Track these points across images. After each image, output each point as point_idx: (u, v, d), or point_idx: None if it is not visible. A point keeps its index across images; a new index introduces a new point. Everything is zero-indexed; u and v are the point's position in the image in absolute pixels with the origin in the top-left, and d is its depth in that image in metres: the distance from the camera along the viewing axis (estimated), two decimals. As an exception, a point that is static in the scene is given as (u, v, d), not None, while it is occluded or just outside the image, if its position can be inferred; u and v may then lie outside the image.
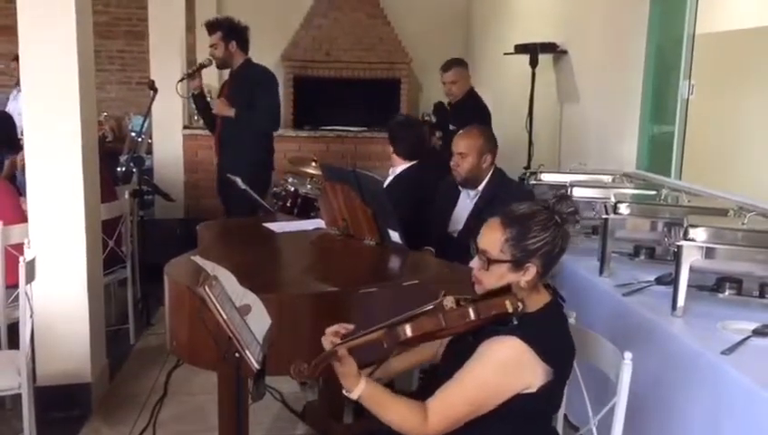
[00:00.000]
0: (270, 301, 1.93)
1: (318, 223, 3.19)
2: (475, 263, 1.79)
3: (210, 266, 1.81)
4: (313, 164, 5.20)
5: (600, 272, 2.99)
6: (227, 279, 1.84)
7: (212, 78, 5.81)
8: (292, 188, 5.21)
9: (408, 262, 2.69)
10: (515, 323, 1.68)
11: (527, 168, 5.14)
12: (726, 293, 2.59)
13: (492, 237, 1.75)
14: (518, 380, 1.69)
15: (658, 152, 4.18)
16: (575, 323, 2.06)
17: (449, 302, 1.69)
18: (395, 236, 2.78)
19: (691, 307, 2.50)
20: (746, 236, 2.44)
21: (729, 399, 2.06)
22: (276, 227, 3.10)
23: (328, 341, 1.71)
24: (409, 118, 3.77)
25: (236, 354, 1.68)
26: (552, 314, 1.79)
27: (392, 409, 1.71)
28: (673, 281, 2.52)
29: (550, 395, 1.74)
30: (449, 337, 1.84)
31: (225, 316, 1.62)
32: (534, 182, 4.01)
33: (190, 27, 6.60)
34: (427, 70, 8.00)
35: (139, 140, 5.33)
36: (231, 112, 4.46)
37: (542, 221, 1.73)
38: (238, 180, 3.86)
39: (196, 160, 6.18)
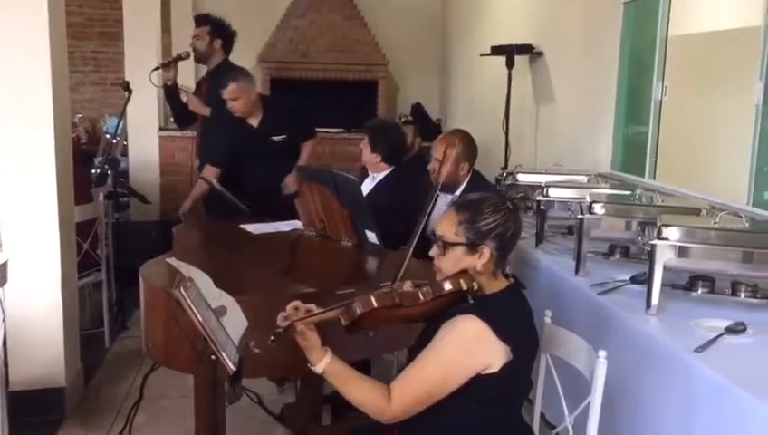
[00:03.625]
0: (247, 302, 1.92)
1: (295, 224, 3.18)
2: (433, 251, 1.84)
3: (185, 268, 1.80)
4: (301, 165, 5.19)
5: (576, 271, 3.01)
6: (203, 281, 1.84)
7: (187, 77, 5.76)
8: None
9: (385, 262, 2.69)
10: (471, 302, 1.74)
11: (504, 168, 5.17)
12: (699, 291, 2.62)
13: (446, 223, 1.82)
14: (477, 358, 1.72)
15: (633, 153, 4.23)
16: (550, 322, 2.08)
17: (408, 285, 1.78)
18: (372, 236, 2.78)
19: (665, 306, 2.53)
20: (718, 235, 2.47)
21: (702, 396, 2.08)
22: (253, 228, 3.09)
23: (287, 316, 1.73)
24: (386, 120, 3.77)
25: (212, 356, 1.67)
26: (510, 297, 1.84)
27: (356, 387, 1.74)
28: (647, 280, 2.55)
29: (511, 376, 1.76)
30: (410, 317, 1.87)
31: (200, 318, 1.61)
32: (511, 182, 4.04)
33: (166, 29, 6.56)
34: (403, 71, 8.04)
35: (114, 141, 5.27)
36: (206, 111, 4.44)
37: (493, 204, 1.81)
38: (214, 181, 3.83)
39: (172, 162, 6.14)
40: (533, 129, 5.47)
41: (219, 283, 1.96)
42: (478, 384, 1.73)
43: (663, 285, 2.53)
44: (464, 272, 1.78)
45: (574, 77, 4.83)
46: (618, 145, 4.37)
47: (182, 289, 1.60)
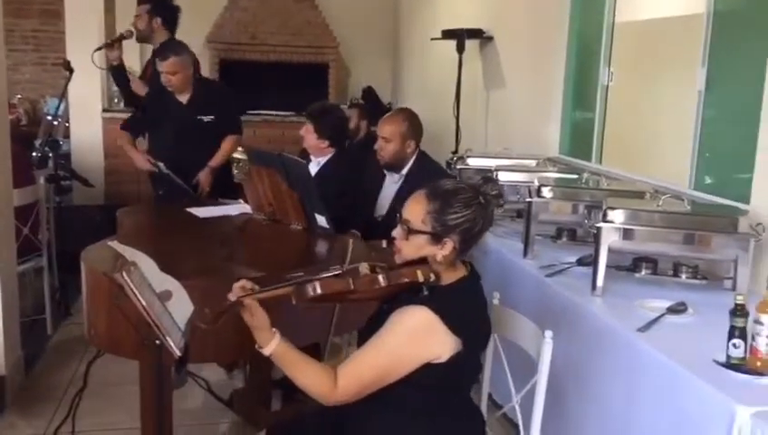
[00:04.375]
0: (193, 287, 1.88)
1: (243, 208, 3.14)
2: (396, 232, 1.81)
3: (129, 252, 1.76)
4: (239, 148, 5.12)
5: (525, 254, 3.05)
6: (147, 265, 1.79)
7: (133, 58, 5.60)
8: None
9: (335, 246, 2.67)
10: (426, 293, 1.72)
11: (455, 152, 5.20)
12: (643, 272, 2.69)
13: (415, 208, 1.78)
14: (426, 349, 1.71)
15: (580, 138, 4.29)
16: (498, 304, 2.10)
17: (364, 268, 1.74)
18: (322, 220, 2.76)
19: (610, 287, 2.58)
20: (661, 218, 2.53)
21: (645, 374, 2.14)
22: (200, 212, 3.03)
23: (234, 293, 1.69)
24: (327, 104, 3.72)
25: (157, 342, 1.64)
26: (465, 288, 1.82)
27: (303, 370, 1.72)
28: (593, 262, 2.59)
29: (460, 366, 1.76)
30: (363, 301, 1.86)
31: (144, 303, 1.57)
32: (461, 167, 4.06)
33: (109, 8, 6.36)
34: (355, 54, 7.98)
35: (56, 123, 5.10)
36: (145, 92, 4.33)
37: (466, 199, 1.76)
38: (161, 165, 3.75)
39: (116, 145, 5.94)
40: (484, 113, 5.50)
41: (165, 267, 1.92)
42: (425, 372, 1.73)
43: (608, 266, 2.58)
44: (422, 260, 1.76)
45: (524, 62, 4.87)
46: (565, 130, 4.43)
47: (125, 273, 1.55)
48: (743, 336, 1.95)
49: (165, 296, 1.72)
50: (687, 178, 3.23)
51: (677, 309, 2.38)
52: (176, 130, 3.93)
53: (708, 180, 3.17)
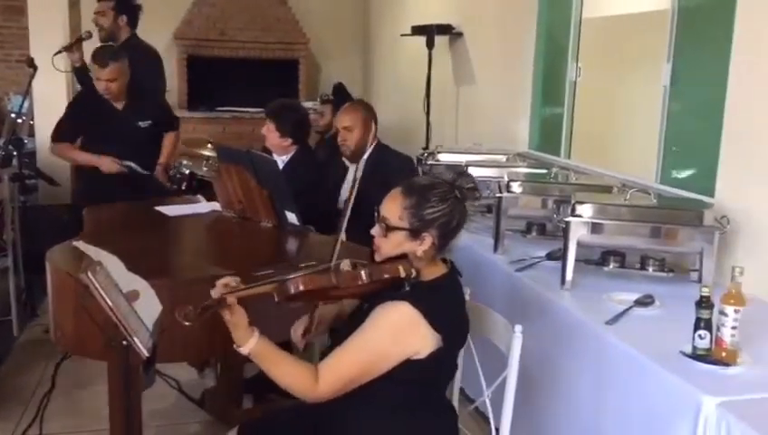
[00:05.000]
0: (162, 286, 1.86)
1: (212, 206, 3.11)
2: (375, 230, 1.82)
3: (94, 251, 1.73)
4: (209, 146, 5.06)
5: (495, 249, 3.07)
6: (113, 264, 1.77)
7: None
8: (187, 171, 5.06)
9: (305, 242, 2.66)
10: (407, 289, 1.72)
11: (425, 148, 5.20)
12: (611, 266, 2.72)
13: (392, 205, 1.79)
14: (407, 345, 1.72)
15: (549, 133, 4.33)
16: (469, 299, 2.11)
17: (346, 265, 1.74)
18: (292, 217, 2.75)
19: (579, 281, 2.61)
20: (628, 212, 2.56)
21: (612, 366, 2.17)
22: (169, 210, 3.00)
23: (217, 291, 1.67)
24: (286, 101, 3.68)
25: (124, 342, 1.61)
26: (445, 285, 1.83)
27: (283, 368, 1.71)
28: (561, 256, 2.62)
29: (439, 363, 1.76)
30: (344, 298, 1.86)
31: (110, 303, 1.55)
32: (432, 162, 4.06)
33: (74, 4, 6.24)
34: (325, 51, 7.95)
35: (20, 121, 4.99)
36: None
37: (442, 193, 1.78)
38: (132, 164, 3.71)
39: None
40: (454, 109, 5.51)
41: (133, 266, 1.90)
42: (405, 368, 1.73)
43: (577, 260, 2.61)
44: (403, 257, 1.76)
45: (493, 58, 4.89)
46: (535, 125, 4.46)
47: (90, 273, 1.53)
48: (708, 327, 1.98)
49: (132, 296, 1.70)
50: (654, 172, 3.27)
51: (645, 302, 2.42)
52: (115, 139, 3.76)
53: (674, 174, 3.22)
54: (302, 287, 1.64)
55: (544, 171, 3.48)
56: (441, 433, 1.86)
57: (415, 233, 1.76)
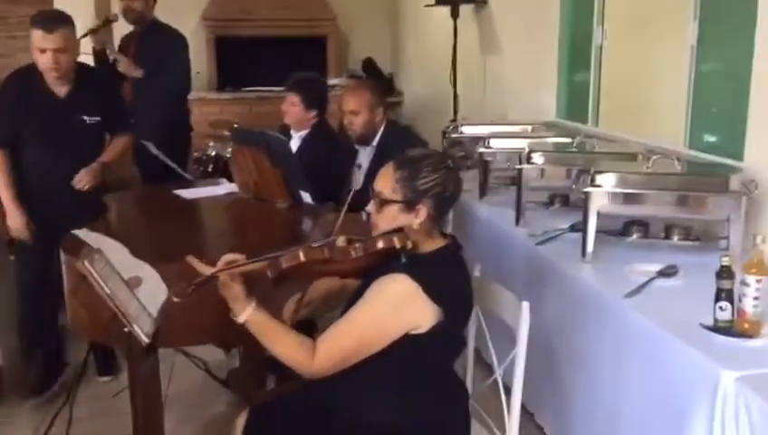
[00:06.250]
0: (170, 271, 1.86)
1: (230, 188, 3.11)
2: (370, 206, 1.82)
3: (95, 239, 1.74)
4: (235, 127, 5.08)
5: (517, 222, 3.01)
6: (116, 251, 1.78)
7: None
8: (213, 153, 5.10)
9: (319, 222, 2.64)
10: (404, 261, 1.71)
11: (453, 121, 5.13)
12: (634, 236, 2.64)
13: (385, 179, 1.78)
14: (406, 317, 1.69)
15: (577, 100, 4.20)
16: (479, 276, 2.06)
17: (341, 241, 1.74)
18: (306, 196, 2.73)
19: (601, 252, 2.53)
20: (650, 180, 2.47)
21: (632, 340, 2.11)
22: (187, 193, 3.01)
23: (218, 266, 1.69)
24: (309, 74, 3.60)
25: (125, 329, 1.62)
26: (444, 257, 1.80)
27: (279, 339, 1.71)
28: (582, 228, 2.55)
29: (441, 338, 1.73)
30: (340, 274, 1.85)
31: (107, 291, 1.55)
32: (456, 135, 4.00)
33: (101, -12, 6.28)
34: (353, 26, 7.85)
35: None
36: (138, 73, 4.26)
37: (433, 163, 1.77)
38: (150, 145, 3.72)
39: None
40: (481, 80, 5.40)
41: (143, 251, 1.90)
42: (405, 344, 1.70)
43: (599, 231, 2.54)
44: (399, 230, 1.74)
45: (518, 25, 4.77)
46: (562, 93, 4.34)
47: (86, 262, 1.53)
48: (729, 298, 1.91)
49: (134, 283, 1.71)
50: (683, 136, 3.15)
51: (668, 272, 2.34)
52: (51, 135, 2.91)
53: (704, 138, 3.09)
54: (292, 263, 1.63)
55: (568, 140, 3.39)
56: (449, 411, 1.83)
57: (409, 205, 1.74)
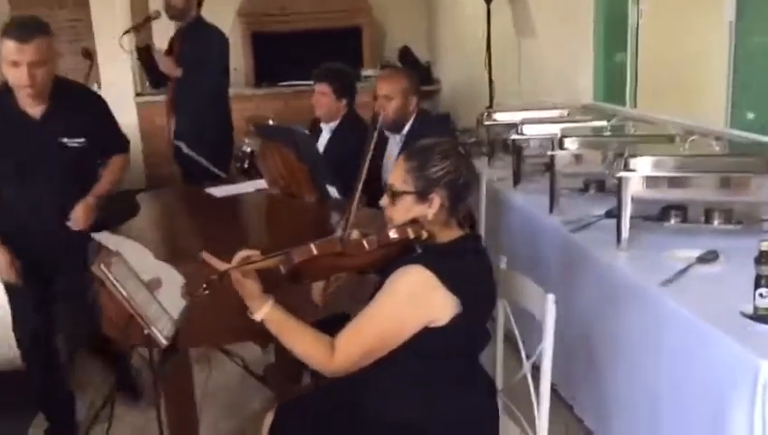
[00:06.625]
0: (193, 272, 1.85)
1: (260, 184, 3.11)
2: (383, 200, 1.78)
3: (115, 242, 1.75)
4: (270, 122, 5.08)
5: (551, 209, 2.93)
6: (137, 253, 1.78)
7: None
8: (249, 149, 5.11)
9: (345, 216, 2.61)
10: (419, 251, 1.67)
11: (489, 107, 5.04)
12: (672, 221, 2.54)
13: (396, 171, 1.75)
14: (424, 310, 1.65)
15: (614, 82, 4.09)
16: (505, 268, 2.01)
17: (355, 234, 1.72)
18: (333, 190, 2.71)
19: (637, 238, 2.45)
20: (686, 163, 2.38)
21: (670, 330, 2.03)
22: (218, 191, 3.02)
23: (234, 262, 1.68)
24: (336, 64, 3.55)
25: (145, 331, 1.62)
26: (462, 247, 1.75)
27: (297, 337, 1.69)
28: (616, 214, 2.46)
29: (461, 330, 1.68)
30: (355, 268, 1.82)
31: (125, 294, 1.55)
32: (489, 122, 3.93)
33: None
34: (388, 15, 7.79)
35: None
36: (177, 72, 4.29)
37: (444, 151, 1.73)
38: (183, 145, 3.75)
39: (154, 127, 6.00)
40: (517, 64, 5.30)
41: (169, 252, 1.90)
42: (426, 338, 1.66)
43: (634, 217, 2.45)
44: (414, 221, 1.71)
45: (552, 5, 4.65)
46: (599, 74, 4.23)
47: (102, 266, 1.54)
48: (770, 285, 1.81)
49: (154, 285, 1.71)
50: (723, 116, 3.03)
51: (707, 258, 2.25)
52: (28, 164, 2.51)
53: (746, 116, 2.97)
54: (304, 257, 1.61)
55: (603, 123, 3.29)
56: (475, 405, 1.79)
57: (422, 195, 1.70)
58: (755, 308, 1.83)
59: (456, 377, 1.76)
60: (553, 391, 2.71)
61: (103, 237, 1.74)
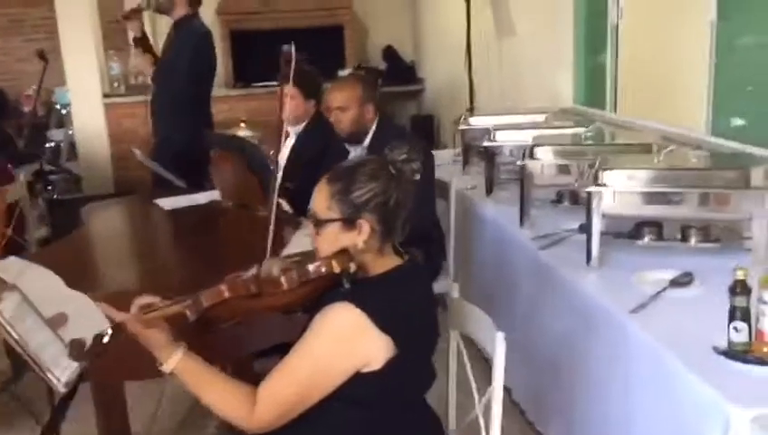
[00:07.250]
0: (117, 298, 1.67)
1: (213, 195, 2.92)
2: (309, 230, 1.59)
3: (17, 269, 1.56)
4: (242, 125, 4.88)
5: (521, 223, 2.75)
6: (44, 282, 1.60)
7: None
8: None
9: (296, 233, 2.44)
10: (347, 287, 1.48)
11: (470, 110, 4.87)
12: (646, 239, 2.36)
13: (319, 197, 1.56)
14: (354, 353, 1.47)
15: (594, 84, 3.92)
16: (458, 297, 1.84)
17: (276, 267, 1.53)
18: (284, 205, 2.53)
19: (609, 257, 2.28)
20: (661, 177, 2.20)
21: (639, 361, 1.87)
22: (167, 203, 2.83)
23: (131, 311, 1.48)
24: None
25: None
26: (396, 278, 1.56)
27: (213, 390, 1.49)
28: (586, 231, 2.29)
29: (399, 373, 1.49)
30: (277, 309, 1.62)
31: (15, 337, 1.37)
32: (464, 127, 3.76)
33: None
34: (372, 13, 7.60)
35: (64, 112, 4.97)
36: (149, 71, 4.08)
37: (370, 171, 1.54)
38: (138, 153, 3.56)
39: (122, 130, 5.79)
40: (498, 65, 5.12)
41: (87, 280, 1.73)
42: (358, 384, 1.48)
43: (606, 233, 2.29)
44: (342, 251, 1.52)
45: (533, 5, 4.48)
46: (579, 77, 4.05)
47: (-10, 304, 1.36)
48: (745, 318, 1.65)
49: (58, 321, 1.52)
50: (704, 122, 2.86)
51: (681, 281, 2.07)
52: None
53: (727, 123, 2.79)
54: (216, 299, 1.43)
55: (580, 130, 3.10)
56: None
57: (348, 222, 1.52)
58: (730, 343, 1.66)
59: (398, 424, 1.57)
60: (522, 415, 2.56)
61: (5, 265, 1.56)
